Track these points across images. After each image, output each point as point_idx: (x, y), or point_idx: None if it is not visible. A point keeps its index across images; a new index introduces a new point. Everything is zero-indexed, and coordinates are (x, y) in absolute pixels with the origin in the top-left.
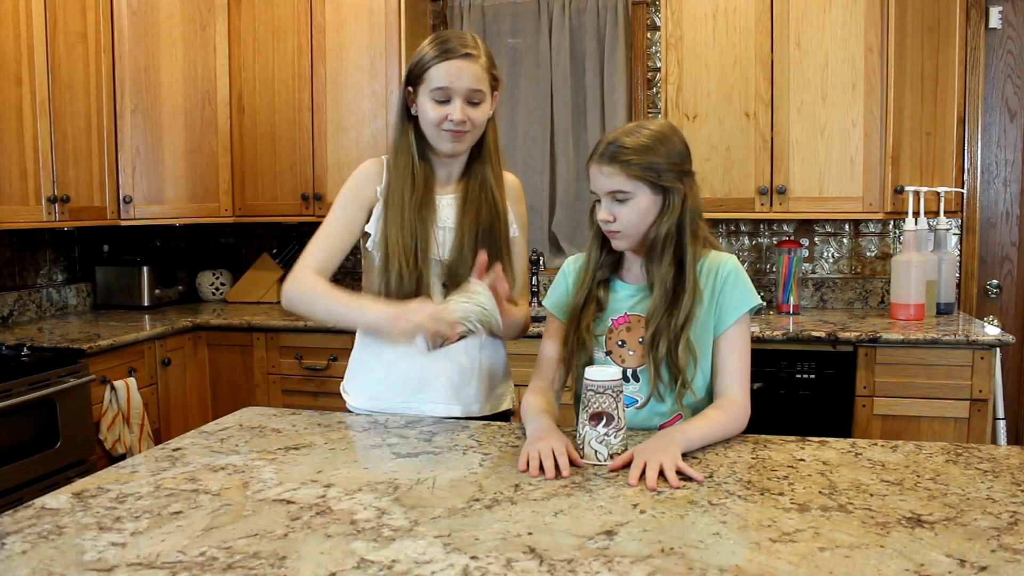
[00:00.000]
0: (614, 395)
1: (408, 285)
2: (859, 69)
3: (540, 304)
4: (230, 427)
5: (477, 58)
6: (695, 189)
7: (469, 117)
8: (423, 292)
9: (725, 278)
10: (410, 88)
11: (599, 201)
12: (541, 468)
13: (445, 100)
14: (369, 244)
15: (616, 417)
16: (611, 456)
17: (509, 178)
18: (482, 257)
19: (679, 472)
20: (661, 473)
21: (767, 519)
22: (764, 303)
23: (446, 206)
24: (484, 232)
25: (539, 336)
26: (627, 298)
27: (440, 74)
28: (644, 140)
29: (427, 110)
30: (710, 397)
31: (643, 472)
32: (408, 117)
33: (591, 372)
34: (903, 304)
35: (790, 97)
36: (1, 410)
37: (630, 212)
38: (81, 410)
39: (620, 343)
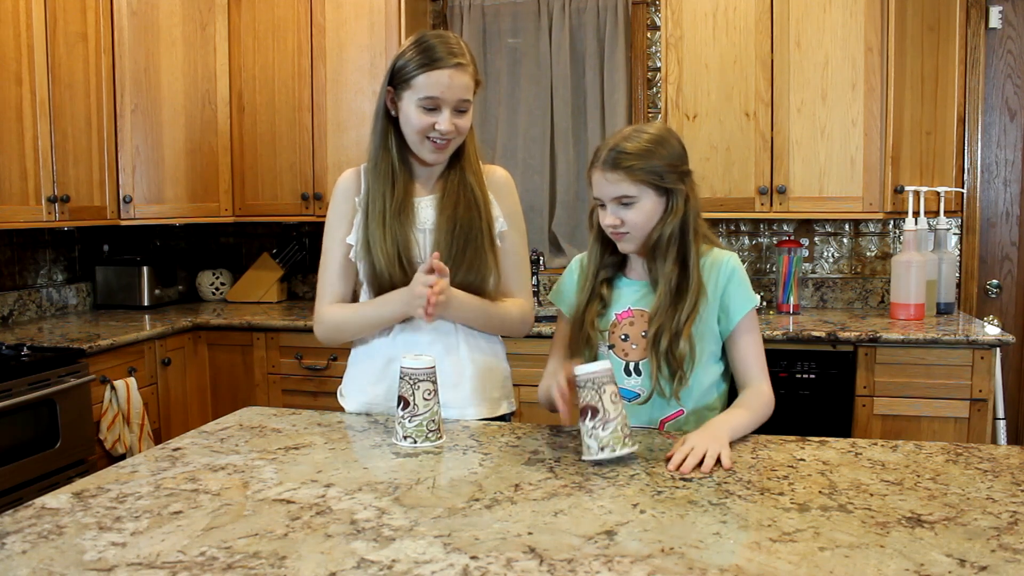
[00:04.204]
0: (596, 388)
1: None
2: (859, 69)
3: (540, 304)
4: (230, 427)
5: (467, 67)
6: (695, 188)
7: (456, 125)
8: None
9: (730, 276)
10: (391, 88)
11: (602, 206)
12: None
13: (433, 108)
14: (352, 255)
15: (601, 409)
16: (601, 449)
17: (497, 172)
18: (435, 262)
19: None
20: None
21: (767, 519)
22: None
23: (425, 207)
24: (463, 229)
25: (539, 336)
26: (631, 293)
27: (430, 83)
28: (645, 144)
29: (412, 117)
30: (712, 392)
31: (685, 459)
32: (388, 118)
33: (578, 368)
34: (903, 304)
35: (790, 97)
36: (1, 410)
37: (636, 215)
38: (81, 410)
39: (623, 337)
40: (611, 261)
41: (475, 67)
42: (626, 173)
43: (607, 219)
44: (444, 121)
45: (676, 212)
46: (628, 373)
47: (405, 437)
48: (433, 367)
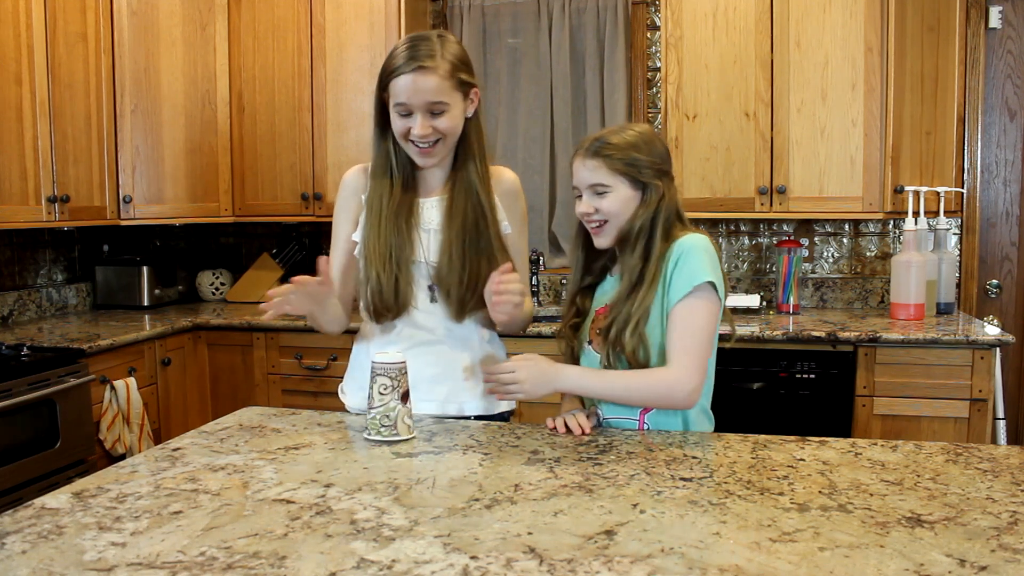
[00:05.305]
0: (371, 378)
1: (387, 290)
2: (859, 69)
3: (540, 304)
4: (230, 427)
5: (433, 69)
6: (673, 190)
7: (434, 127)
8: (403, 296)
9: (679, 257)
10: (385, 94)
11: (579, 196)
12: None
13: (407, 114)
14: (356, 252)
15: (369, 399)
16: (365, 430)
17: (505, 175)
18: (506, 266)
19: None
20: None
21: (767, 519)
22: (710, 280)
23: (431, 208)
24: (470, 233)
25: (539, 336)
26: (611, 289)
27: (397, 89)
28: (628, 138)
29: (394, 122)
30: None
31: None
32: (386, 121)
33: (378, 357)
34: (903, 304)
35: (790, 97)
36: (1, 410)
37: (610, 203)
38: (81, 410)
39: (599, 331)
40: (598, 267)
41: (453, 66)
42: (604, 161)
43: (581, 207)
44: (417, 125)
45: (648, 206)
46: (608, 367)
47: (366, 428)
48: (395, 364)
